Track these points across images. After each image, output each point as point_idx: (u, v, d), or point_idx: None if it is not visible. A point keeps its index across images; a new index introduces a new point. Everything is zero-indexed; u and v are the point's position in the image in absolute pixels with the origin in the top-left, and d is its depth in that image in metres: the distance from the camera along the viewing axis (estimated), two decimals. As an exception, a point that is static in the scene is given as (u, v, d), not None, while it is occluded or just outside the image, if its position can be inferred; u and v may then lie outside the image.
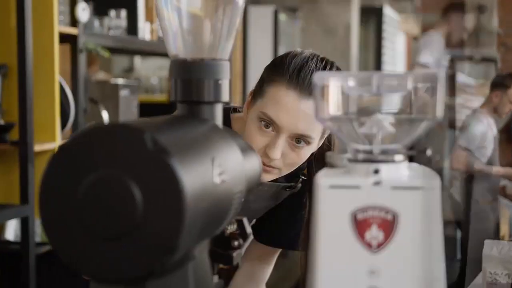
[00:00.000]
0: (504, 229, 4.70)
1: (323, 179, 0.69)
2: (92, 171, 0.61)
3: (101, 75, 4.28)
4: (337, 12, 5.65)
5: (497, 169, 4.41)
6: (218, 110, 0.80)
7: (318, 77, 0.71)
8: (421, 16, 10.05)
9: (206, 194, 0.65)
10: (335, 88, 0.71)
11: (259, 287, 1.49)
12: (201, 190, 0.64)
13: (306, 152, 1.30)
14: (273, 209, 1.46)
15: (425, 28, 9.90)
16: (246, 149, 0.84)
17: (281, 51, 6.12)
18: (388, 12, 7.53)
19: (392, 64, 8.05)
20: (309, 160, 1.35)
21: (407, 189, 0.67)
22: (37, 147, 2.44)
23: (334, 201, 0.68)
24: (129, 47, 3.25)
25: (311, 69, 1.26)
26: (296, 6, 5.84)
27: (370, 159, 0.70)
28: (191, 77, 0.78)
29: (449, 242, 4.84)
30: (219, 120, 0.80)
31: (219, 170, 0.69)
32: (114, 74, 4.94)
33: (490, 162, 4.42)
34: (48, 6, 2.51)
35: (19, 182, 2.37)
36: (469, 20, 4.63)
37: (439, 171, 4.57)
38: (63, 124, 2.63)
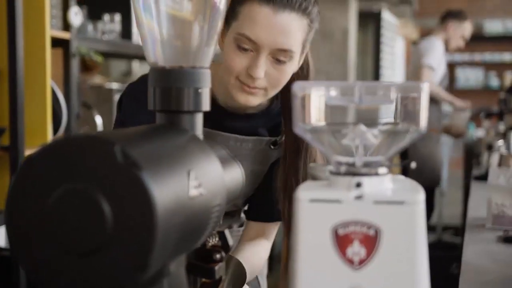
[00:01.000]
0: None
1: (303, 192, 0.66)
2: (61, 184, 0.59)
3: (98, 79, 4.25)
4: (335, 16, 5.63)
5: (445, 94, 4.58)
6: (199, 119, 0.77)
7: (298, 86, 0.68)
8: (419, 21, 10.05)
9: (180, 209, 0.62)
10: (316, 98, 0.68)
11: (259, 266, 1.43)
12: (175, 205, 0.61)
13: (289, 68, 1.27)
14: (261, 183, 1.45)
15: (424, 33, 9.92)
16: (227, 159, 0.82)
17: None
18: (387, 16, 7.51)
19: (391, 68, 8.03)
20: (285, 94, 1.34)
21: (390, 204, 0.65)
22: (28, 152, 2.40)
23: (315, 215, 0.66)
24: (123, 52, 3.23)
25: None
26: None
27: (352, 172, 0.67)
28: (170, 85, 0.76)
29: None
30: (199, 129, 0.77)
31: (196, 183, 0.66)
32: (112, 78, 4.92)
33: (441, 85, 4.56)
34: (40, 10, 2.48)
35: (9, 187, 2.34)
36: (468, 29, 4.65)
37: (437, 178, 4.56)
38: (56, 129, 2.60)
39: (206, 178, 0.69)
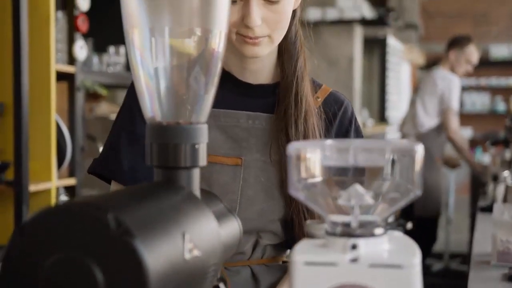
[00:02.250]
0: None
1: (299, 255, 0.66)
2: (54, 252, 0.59)
3: (104, 107, 4.27)
4: (340, 44, 5.65)
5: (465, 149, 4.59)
6: (195, 175, 0.77)
7: (293, 147, 0.68)
8: (425, 46, 10.08)
9: (175, 273, 0.62)
10: (310, 159, 0.68)
11: None
12: (169, 270, 0.61)
13: (286, 7, 1.20)
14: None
15: (429, 57, 9.95)
16: (224, 213, 0.82)
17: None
18: (392, 42, 7.53)
19: (396, 94, 8.03)
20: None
21: (386, 267, 0.64)
22: (33, 187, 2.41)
23: (310, 278, 0.65)
24: (128, 84, 3.24)
25: None
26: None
27: (348, 233, 0.67)
28: (167, 141, 0.75)
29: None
30: (196, 185, 0.77)
31: (191, 245, 0.66)
32: (118, 104, 4.93)
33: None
34: (45, 44, 2.50)
35: (13, 223, 2.35)
36: (473, 54, 4.63)
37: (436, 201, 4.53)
38: (60, 163, 2.61)
39: (201, 238, 0.69)
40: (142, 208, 0.64)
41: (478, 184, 4.74)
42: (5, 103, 2.46)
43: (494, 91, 10.12)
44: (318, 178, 0.69)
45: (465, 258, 5.20)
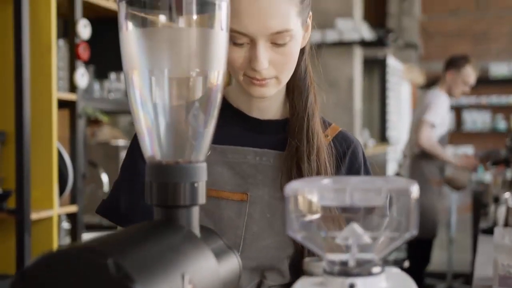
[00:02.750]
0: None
1: (297, 295, 0.67)
2: (54, 297, 0.59)
3: (106, 131, 4.29)
4: (340, 65, 5.68)
5: (443, 153, 4.57)
6: (195, 213, 0.78)
7: (290, 188, 0.69)
8: (425, 65, 10.12)
9: (174, 315, 0.63)
10: (308, 198, 0.69)
11: None
12: (168, 312, 0.62)
13: (293, 48, 1.18)
14: None
15: (429, 77, 10.00)
16: (223, 250, 0.82)
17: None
18: (392, 62, 7.57)
19: (397, 113, 8.06)
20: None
21: (383, 307, 0.65)
22: (34, 215, 2.42)
23: (308, 318, 0.66)
24: (128, 109, 3.26)
25: None
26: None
27: (345, 272, 0.68)
28: (167, 181, 0.76)
29: None
30: (195, 223, 0.78)
31: (190, 286, 0.67)
32: (120, 128, 4.96)
33: (441, 143, 4.54)
34: (47, 72, 2.52)
35: (15, 251, 2.35)
36: (470, 75, 4.65)
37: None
38: (62, 190, 2.62)
39: (201, 278, 0.70)
40: (142, 251, 0.65)
41: (479, 204, 4.74)
42: (7, 132, 2.47)
43: (495, 109, 10.14)
44: (316, 218, 0.70)
45: (468, 278, 5.18)
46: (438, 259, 6.10)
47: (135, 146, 1.31)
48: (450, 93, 4.65)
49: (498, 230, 1.87)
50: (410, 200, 0.67)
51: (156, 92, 0.77)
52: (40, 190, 2.49)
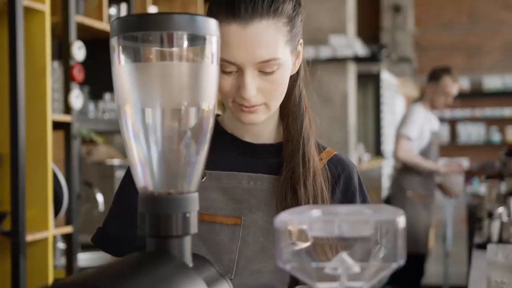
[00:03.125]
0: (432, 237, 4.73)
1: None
2: (49, 332, 0.61)
3: (102, 150, 4.30)
4: (334, 81, 5.71)
5: (424, 163, 4.52)
6: (187, 243, 0.80)
7: (280, 220, 0.70)
8: (419, 78, 10.18)
9: None
10: (297, 229, 0.70)
11: None
12: None
13: (281, 76, 1.19)
14: None
15: (423, 90, 10.05)
16: (215, 278, 0.84)
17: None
18: (386, 76, 7.60)
19: (391, 127, 8.08)
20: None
21: (371, 337, 0.66)
22: (30, 237, 2.42)
23: None
24: (123, 130, 3.27)
25: None
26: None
27: (335, 302, 0.69)
28: (159, 211, 0.78)
29: None
30: (187, 252, 0.79)
31: (183, 317, 0.68)
32: (115, 146, 4.97)
33: (423, 155, 4.53)
34: (42, 94, 2.53)
35: (10, 273, 2.35)
36: (449, 85, 4.62)
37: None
38: (57, 211, 2.62)
39: (193, 309, 0.71)
40: (134, 284, 0.66)
41: (474, 217, 4.74)
42: (2, 153, 2.48)
43: (489, 121, 10.19)
44: (305, 248, 0.72)
45: (465, 292, 5.18)
46: (434, 272, 6.10)
47: (128, 176, 1.33)
48: (433, 106, 4.64)
49: (491, 247, 1.88)
50: (397, 230, 0.68)
51: (148, 125, 0.79)
52: (35, 211, 2.50)
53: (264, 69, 1.17)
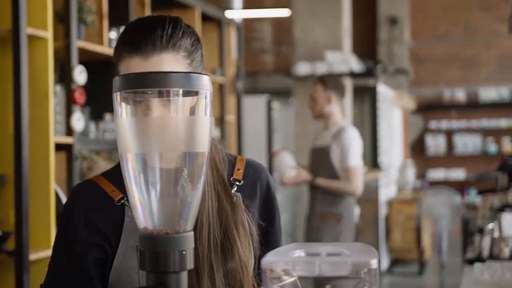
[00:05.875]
0: None
1: None
2: None
3: (103, 166, 4.36)
4: (330, 95, 5.78)
5: (321, 180, 4.15)
6: (184, 277, 0.88)
7: (266, 261, 0.79)
8: (416, 90, 10.28)
9: None
10: (281, 270, 0.79)
11: None
12: None
13: None
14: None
15: (420, 102, 10.14)
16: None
17: (276, 138, 6.25)
18: (382, 89, 7.69)
19: (388, 139, 8.16)
20: None
21: None
22: (33, 256, 2.51)
23: None
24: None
25: (142, 25, 1.25)
26: (290, 92, 5.99)
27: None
28: (158, 249, 0.87)
29: None
30: (184, 287, 0.88)
31: None
32: (115, 162, 5.04)
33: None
34: (44, 117, 2.62)
35: (14, 292, 2.44)
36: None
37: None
38: (59, 230, 2.70)
39: None
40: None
41: (468, 230, 4.81)
42: (6, 175, 2.57)
43: (485, 132, 10.28)
44: (288, 284, 0.80)
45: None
46: (430, 284, 6.18)
47: (69, 216, 1.33)
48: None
49: (477, 266, 1.94)
50: (371, 271, 0.77)
51: (148, 172, 0.88)
52: (39, 231, 2.58)
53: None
